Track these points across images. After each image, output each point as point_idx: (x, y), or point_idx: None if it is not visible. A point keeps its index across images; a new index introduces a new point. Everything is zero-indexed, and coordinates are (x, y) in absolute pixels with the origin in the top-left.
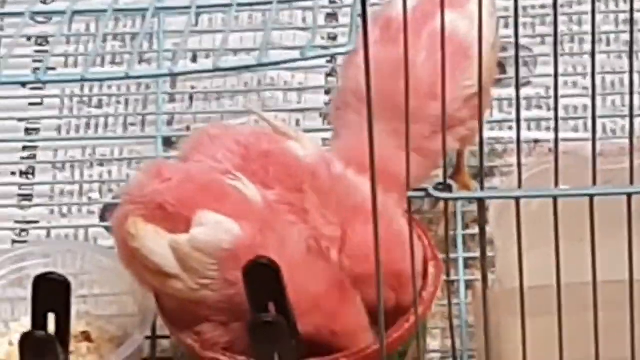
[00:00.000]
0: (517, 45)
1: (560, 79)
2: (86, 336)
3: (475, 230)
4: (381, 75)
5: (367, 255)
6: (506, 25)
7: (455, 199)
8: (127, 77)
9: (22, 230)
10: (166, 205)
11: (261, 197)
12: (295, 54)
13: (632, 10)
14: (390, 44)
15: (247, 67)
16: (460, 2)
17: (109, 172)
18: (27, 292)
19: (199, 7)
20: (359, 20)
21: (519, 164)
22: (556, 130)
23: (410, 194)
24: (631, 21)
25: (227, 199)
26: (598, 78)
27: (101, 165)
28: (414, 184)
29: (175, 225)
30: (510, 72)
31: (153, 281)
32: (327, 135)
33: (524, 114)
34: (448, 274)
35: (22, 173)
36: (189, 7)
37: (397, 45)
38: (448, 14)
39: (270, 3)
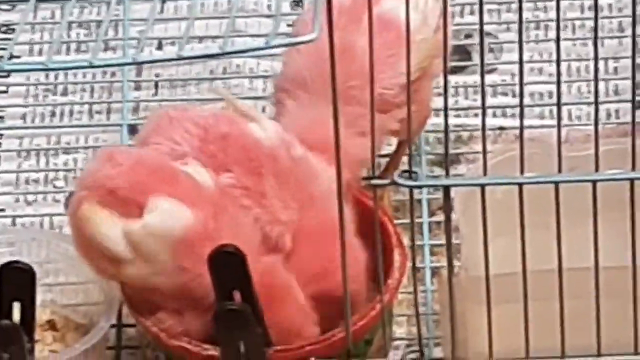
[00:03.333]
0: (481, 32)
1: (526, 66)
2: (51, 325)
3: (441, 217)
4: (323, 59)
5: (318, 249)
6: (471, 12)
7: (420, 187)
8: (91, 66)
9: None
10: (118, 190)
11: (214, 182)
12: (260, 42)
13: None
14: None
15: (210, 56)
16: None
17: (75, 160)
18: None
19: None
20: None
21: (484, 151)
22: (521, 117)
23: (375, 181)
24: (596, 8)
25: (179, 184)
26: (563, 65)
27: (67, 153)
28: (358, 164)
29: (128, 211)
30: (476, 58)
31: (108, 268)
32: None
33: (490, 101)
34: (414, 262)
35: None
36: None
37: (339, 30)
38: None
39: None
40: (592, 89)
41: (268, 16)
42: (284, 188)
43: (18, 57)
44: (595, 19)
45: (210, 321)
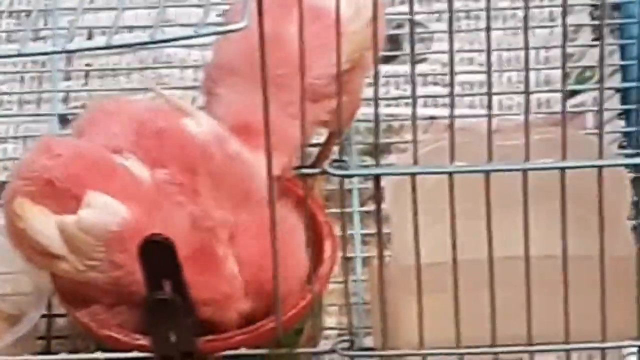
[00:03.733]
0: (412, 22)
1: (456, 56)
2: None
3: (372, 207)
4: (252, 45)
5: (252, 265)
6: (402, 2)
7: (351, 176)
8: (20, 55)
9: None
10: (55, 181)
11: (150, 177)
12: (190, 31)
13: None
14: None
15: (140, 44)
16: None
17: (4, 150)
18: None
19: None
20: None
21: (415, 140)
22: (452, 106)
23: (306, 170)
24: None
25: (115, 178)
26: (494, 55)
27: None
28: (294, 147)
29: (64, 203)
30: (406, 48)
31: (40, 262)
32: None
33: (420, 90)
34: (345, 251)
35: None
36: None
37: (269, 19)
38: None
39: None
40: (523, 78)
41: (198, 6)
42: (218, 186)
43: None
44: (526, 8)
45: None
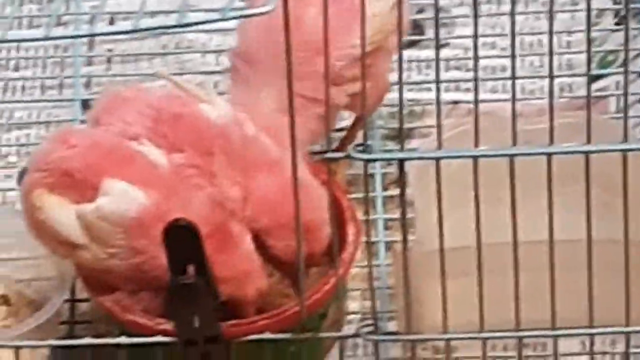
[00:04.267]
0: (436, 7)
1: (479, 40)
2: (5, 300)
3: (395, 192)
4: (273, 32)
5: (271, 207)
6: None
7: (375, 160)
8: (47, 39)
9: None
10: (72, 171)
11: (167, 161)
12: (215, 15)
13: None
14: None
15: (167, 27)
16: None
17: (27, 136)
18: None
19: None
20: None
21: (439, 125)
22: (476, 90)
23: (330, 155)
24: None
25: (133, 165)
26: (516, 39)
27: (19, 128)
28: (310, 138)
29: (83, 192)
30: (428, 33)
31: (62, 251)
32: None
33: (442, 75)
34: (368, 236)
35: None
36: None
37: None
38: None
39: None
40: (544, 63)
41: None
42: (233, 166)
43: None
44: None
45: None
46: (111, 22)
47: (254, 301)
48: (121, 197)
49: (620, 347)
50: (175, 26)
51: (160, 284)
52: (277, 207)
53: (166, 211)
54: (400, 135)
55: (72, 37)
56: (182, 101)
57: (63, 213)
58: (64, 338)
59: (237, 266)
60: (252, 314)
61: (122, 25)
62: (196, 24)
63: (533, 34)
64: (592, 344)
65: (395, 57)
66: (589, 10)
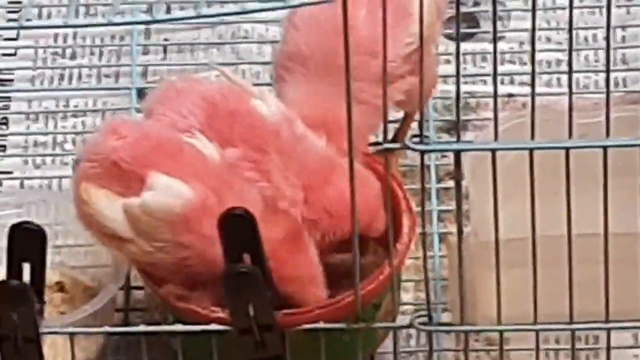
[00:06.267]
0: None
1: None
2: (60, 287)
3: (449, 184)
4: (322, 34)
5: (339, 222)
6: None
7: (431, 151)
8: (109, 24)
9: None
10: (121, 162)
11: (219, 155)
12: (278, 4)
13: None
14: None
15: (231, 14)
16: None
17: (83, 123)
18: (2, 242)
19: None
20: None
21: (495, 117)
22: (532, 84)
23: (387, 145)
24: None
25: (182, 158)
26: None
27: (75, 116)
28: (360, 137)
29: (130, 184)
30: (484, 26)
31: (111, 244)
32: None
33: (497, 68)
34: (423, 227)
35: None
36: None
37: (336, 4)
38: None
39: None
40: (599, 57)
41: None
42: (287, 165)
43: (29, 20)
44: None
45: (218, 287)
46: (167, 11)
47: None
48: (166, 192)
49: None
50: (239, 13)
51: (207, 278)
52: (344, 220)
53: (217, 205)
54: (457, 126)
55: (135, 23)
56: (238, 97)
57: (109, 207)
58: (119, 325)
59: (305, 269)
60: None
61: (182, 13)
62: (260, 10)
63: (588, 28)
64: None
65: (447, 49)
66: None
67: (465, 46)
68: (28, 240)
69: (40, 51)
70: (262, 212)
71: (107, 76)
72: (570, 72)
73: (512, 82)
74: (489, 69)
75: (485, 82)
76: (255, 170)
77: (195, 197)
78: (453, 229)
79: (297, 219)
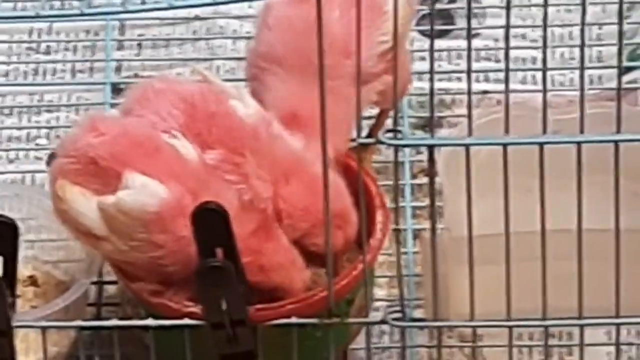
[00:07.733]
0: None
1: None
2: (33, 281)
3: (423, 180)
4: (296, 34)
5: (307, 211)
6: None
7: (405, 146)
8: (82, 15)
9: None
10: (98, 159)
11: (198, 155)
12: None
13: None
14: (303, 2)
15: (208, 4)
16: None
17: (57, 119)
18: None
19: None
20: None
21: (470, 112)
22: (506, 81)
23: (361, 140)
24: None
25: (160, 157)
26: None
27: (49, 111)
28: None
29: (107, 181)
30: (460, 23)
31: (85, 241)
32: None
33: (472, 65)
34: (397, 223)
35: None
36: None
37: (310, 4)
38: None
39: None
40: (575, 55)
41: None
42: (262, 165)
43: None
44: None
45: (193, 286)
46: (142, 4)
47: (299, 293)
48: (141, 191)
49: None
50: (218, 3)
51: (181, 276)
52: (311, 209)
53: (190, 205)
54: (430, 121)
55: (107, 13)
56: (217, 98)
57: (85, 204)
58: (91, 319)
59: (282, 255)
60: None
61: (160, 3)
62: (235, 1)
63: (563, 25)
64: (618, 334)
65: (422, 46)
66: (620, 3)
67: (440, 43)
68: (0, 234)
69: (15, 46)
70: (237, 211)
71: (81, 71)
72: (544, 69)
73: (487, 79)
74: (464, 65)
75: (460, 79)
76: (235, 174)
77: (170, 196)
78: (427, 225)
79: (266, 210)
